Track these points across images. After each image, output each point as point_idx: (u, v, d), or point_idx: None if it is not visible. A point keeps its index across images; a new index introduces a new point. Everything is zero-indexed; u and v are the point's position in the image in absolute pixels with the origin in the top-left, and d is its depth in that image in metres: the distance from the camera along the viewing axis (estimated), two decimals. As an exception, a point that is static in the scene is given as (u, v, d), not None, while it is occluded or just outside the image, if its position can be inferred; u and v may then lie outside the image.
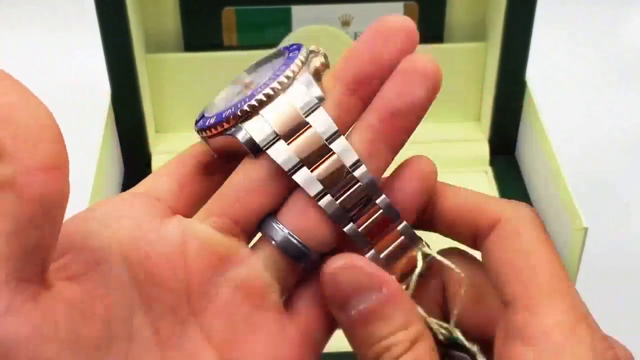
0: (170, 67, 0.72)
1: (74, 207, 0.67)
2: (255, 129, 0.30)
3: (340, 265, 0.30)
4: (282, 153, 0.29)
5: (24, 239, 0.24)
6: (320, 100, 0.30)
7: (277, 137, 0.30)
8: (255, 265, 0.30)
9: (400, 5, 0.71)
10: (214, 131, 0.31)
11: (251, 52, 0.71)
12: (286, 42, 0.71)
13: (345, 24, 0.72)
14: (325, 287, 0.30)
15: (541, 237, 0.30)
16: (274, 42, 0.71)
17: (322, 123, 0.30)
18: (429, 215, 0.33)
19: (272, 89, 0.30)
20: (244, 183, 0.30)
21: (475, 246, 0.32)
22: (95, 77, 0.76)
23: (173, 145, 0.74)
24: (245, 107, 0.30)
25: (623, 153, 0.83)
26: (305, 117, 0.30)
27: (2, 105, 0.24)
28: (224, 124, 0.30)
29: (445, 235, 0.33)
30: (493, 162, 0.74)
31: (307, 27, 0.71)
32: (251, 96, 0.30)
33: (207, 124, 0.31)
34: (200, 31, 0.72)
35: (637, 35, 1.00)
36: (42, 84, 0.93)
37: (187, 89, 0.73)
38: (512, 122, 0.74)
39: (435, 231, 0.34)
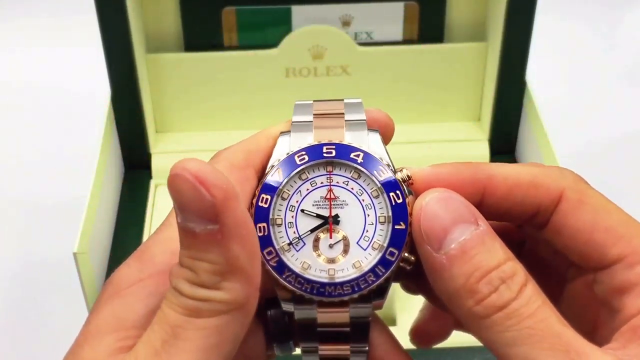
0: (170, 67, 0.72)
1: (73, 207, 0.67)
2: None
3: (437, 196, 0.29)
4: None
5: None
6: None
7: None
8: None
9: (401, 5, 0.71)
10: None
11: (251, 52, 0.71)
12: (286, 42, 0.71)
13: (345, 24, 0.72)
14: (421, 224, 0.28)
15: (600, 194, 0.30)
16: (274, 42, 0.71)
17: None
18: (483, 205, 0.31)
19: None
20: None
21: (527, 224, 0.31)
22: (95, 77, 0.76)
23: (173, 145, 0.74)
24: None
25: (623, 153, 0.83)
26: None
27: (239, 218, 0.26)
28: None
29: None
30: (493, 162, 0.74)
31: (307, 27, 0.71)
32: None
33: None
34: (200, 31, 0.72)
35: (637, 36, 1.00)
36: (43, 84, 0.94)
37: (187, 89, 0.73)
38: (512, 122, 0.74)
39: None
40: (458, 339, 0.36)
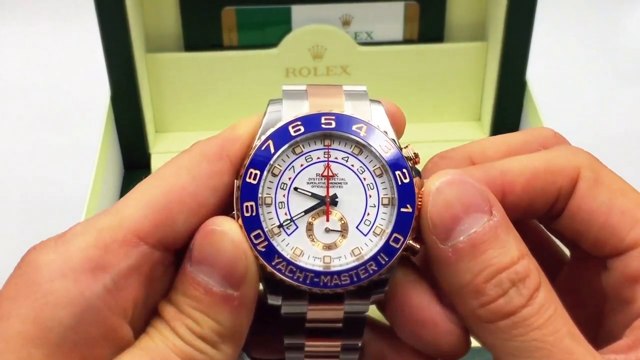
0: (170, 67, 0.72)
1: (73, 207, 0.67)
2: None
3: (449, 180, 0.26)
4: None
5: None
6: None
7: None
8: None
9: (401, 5, 0.71)
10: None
11: (251, 51, 0.71)
12: (286, 41, 0.71)
13: (345, 24, 0.72)
14: (428, 210, 0.25)
15: (614, 174, 0.28)
16: (274, 42, 0.71)
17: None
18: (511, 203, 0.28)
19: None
20: None
21: (548, 213, 0.29)
22: (95, 77, 0.76)
23: (173, 145, 0.74)
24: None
25: (623, 153, 0.83)
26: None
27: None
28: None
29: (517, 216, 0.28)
30: (493, 162, 0.74)
31: (307, 27, 0.71)
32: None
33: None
34: (200, 31, 0.72)
35: (637, 35, 1.00)
36: (43, 84, 0.94)
37: (187, 89, 0.73)
38: (512, 122, 0.74)
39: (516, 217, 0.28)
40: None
